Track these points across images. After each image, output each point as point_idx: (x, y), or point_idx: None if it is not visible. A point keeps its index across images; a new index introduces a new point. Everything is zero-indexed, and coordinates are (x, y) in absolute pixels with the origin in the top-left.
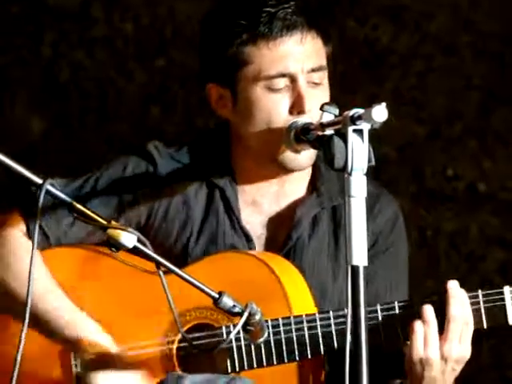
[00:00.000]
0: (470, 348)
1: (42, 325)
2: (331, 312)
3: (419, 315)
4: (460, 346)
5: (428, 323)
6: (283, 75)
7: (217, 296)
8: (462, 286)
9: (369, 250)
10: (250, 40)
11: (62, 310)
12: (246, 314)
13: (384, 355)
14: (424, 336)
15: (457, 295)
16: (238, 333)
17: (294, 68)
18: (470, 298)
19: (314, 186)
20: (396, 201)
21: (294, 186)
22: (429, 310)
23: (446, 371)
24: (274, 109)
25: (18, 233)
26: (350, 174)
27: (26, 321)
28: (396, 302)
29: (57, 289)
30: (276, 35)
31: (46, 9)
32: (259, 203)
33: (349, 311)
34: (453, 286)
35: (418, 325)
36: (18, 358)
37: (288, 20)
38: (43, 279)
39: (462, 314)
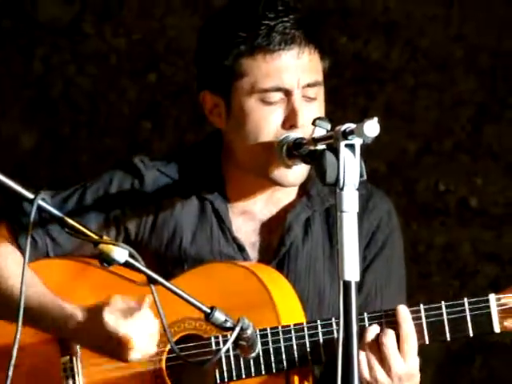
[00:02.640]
0: (418, 362)
1: (29, 318)
2: (319, 322)
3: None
4: (406, 362)
5: (369, 347)
6: (278, 89)
7: (208, 311)
8: (453, 300)
9: (364, 249)
10: (248, 52)
11: (44, 301)
12: (237, 329)
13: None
14: (367, 360)
15: (406, 315)
16: (226, 349)
17: (289, 82)
18: (456, 306)
19: (304, 189)
20: (389, 198)
21: (285, 191)
22: (370, 333)
23: None
24: (266, 121)
25: (8, 245)
26: (341, 189)
27: (20, 323)
28: (366, 314)
29: (36, 283)
30: (274, 48)
31: (38, 24)
32: (250, 211)
33: (341, 326)
34: (402, 309)
35: (360, 354)
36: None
37: (287, 34)
38: (29, 280)
39: (411, 332)
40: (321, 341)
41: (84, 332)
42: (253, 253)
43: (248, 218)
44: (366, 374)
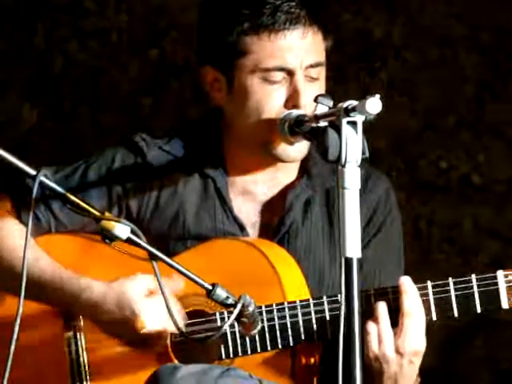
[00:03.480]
0: (425, 340)
1: (32, 294)
2: (325, 297)
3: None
4: (414, 339)
5: (381, 320)
6: (282, 69)
7: (210, 288)
8: (454, 277)
9: (364, 229)
10: (252, 30)
11: (54, 275)
12: (239, 306)
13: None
14: (378, 334)
15: (408, 290)
16: (231, 325)
17: (293, 63)
18: (463, 282)
19: (305, 169)
20: (387, 178)
21: (286, 172)
22: (381, 307)
23: (404, 365)
24: (268, 100)
25: (10, 219)
26: (343, 166)
27: (22, 296)
28: (372, 290)
29: (44, 256)
30: (279, 27)
31: (40, 0)
32: (251, 191)
33: (342, 303)
34: (404, 281)
35: (371, 325)
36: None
37: (292, 13)
38: (33, 253)
39: (414, 307)
40: (327, 317)
41: (97, 305)
42: (253, 232)
43: (249, 198)
44: (375, 348)
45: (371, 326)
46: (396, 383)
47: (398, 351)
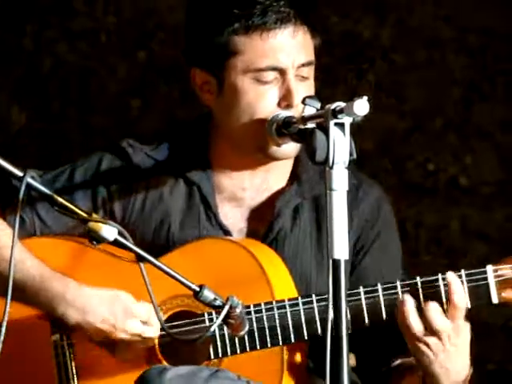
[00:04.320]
0: (464, 324)
1: (17, 295)
2: (314, 296)
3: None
4: (452, 321)
5: (413, 315)
6: (273, 69)
7: (198, 289)
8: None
9: (356, 241)
10: (243, 30)
11: (42, 276)
12: (226, 308)
13: (385, 333)
14: (413, 330)
15: (458, 285)
16: (220, 326)
17: (284, 62)
18: None
19: (295, 175)
20: (379, 185)
21: (276, 177)
22: (410, 302)
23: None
24: (261, 100)
25: None
26: (331, 168)
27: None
28: (379, 285)
29: (30, 257)
30: (270, 27)
31: (28, 1)
32: (239, 197)
33: (330, 306)
34: (453, 277)
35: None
36: (3, 330)
37: (281, 13)
38: (18, 253)
39: (463, 303)
40: (316, 316)
41: (84, 306)
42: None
43: (236, 204)
44: (413, 345)
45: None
46: (447, 372)
47: (436, 334)
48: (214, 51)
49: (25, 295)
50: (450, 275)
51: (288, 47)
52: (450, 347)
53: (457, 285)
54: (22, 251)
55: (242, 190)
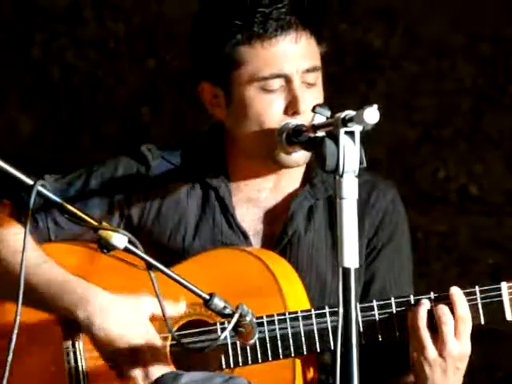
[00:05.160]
0: (469, 344)
1: (36, 298)
2: (327, 308)
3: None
4: (466, 343)
5: (423, 326)
6: (278, 76)
7: (207, 297)
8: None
9: (369, 242)
10: (245, 40)
11: (57, 279)
12: (236, 316)
13: (383, 349)
14: (419, 339)
15: (462, 297)
16: (232, 335)
17: (288, 69)
18: (468, 294)
19: (308, 177)
20: (393, 186)
21: (289, 180)
22: (424, 311)
23: (448, 370)
24: (268, 109)
25: (9, 221)
26: (341, 176)
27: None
28: (393, 298)
29: (49, 260)
30: (271, 35)
31: (37, 9)
32: (255, 198)
33: (340, 314)
34: (456, 290)
35: (415, 330)
36: (14, 338)
37: (282, 20)
38: (33, 253)
39: (467, 314)
40: (329, 328)
41: (102, 312)
42: (256, 241)
43: (252, 205)
44: (417, 354)
45: (416, 331)
46: None
47: (441, 355)
48: (220, 64)
49: (42, 299)
50: (453, 288)
51: (291, 54)
52: (451, 369)
53: (459, 296)
54: (40, 255)
55: (258, 192)
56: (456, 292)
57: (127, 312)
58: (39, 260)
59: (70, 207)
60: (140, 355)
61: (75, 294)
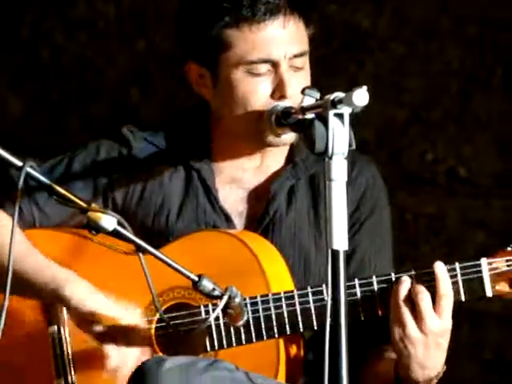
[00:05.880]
0: (450, 319)
1: (22, 286)
2: (309, 289)
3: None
4: (448, 319)
5: (403, 303)
6: (266, 61)
7: (196, 279)
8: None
9: (350, 217)
10: (233, 23)
11: (45, 268)
12: (225, 298)
13: (365, 322)
14: (399, 317)
15: (444, 273)
16: (216, 317)
17: (276, 54)
18: (449, 271)
19: (290, 157)
20: (372, 163)
21: (274, 160)
22: (403, 290)
23: (430, 346)
24: (254, 93)
25: None
26: (330, 158)
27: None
28: (374, 277)
29: (36, 251)
30: (259, 19)
31: None
32: (238, 179)
33: (329, 295)
34: (439, 265)
35: (396, 307)
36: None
37: (271, 3)
38: (21, 244)
39: (450, 290)
40: (312, 308)
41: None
42: (239, 222)
43: (236, 186)
44: (398, 331)
45: (397, 308)
46: (423, 366)
47: (422, 331)
48: (207, 45)
49: (28, 286)
50: (437, 264)
51: (279, 39)
52: (433, 344)
53: (442, 272)
54: (27, 245)
55: (242, 172)
56: (439, 267)
57: (110, 297)
58: (27, 252)
59: (59, 189)
60: (125, 339)
61: (61, 280)
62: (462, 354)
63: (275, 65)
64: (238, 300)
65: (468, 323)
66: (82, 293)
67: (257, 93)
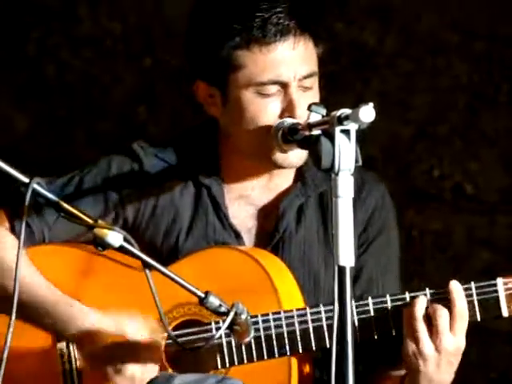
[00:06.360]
0: (464, 340)
1: (25, 315)
2: (322, 306)
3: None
4: (456, 337)
5: (419, 319)
6: (275, 82)
7: (203, 295)
8: (447, 285)
9: (359, 237)
10: (244, 44)
11: (47, 299)
12: (231, 314)
13: (376, 342)
14: (414, 333)
15: (461, 293)
16: (227, 334)
17: (286, 75)
18: (464, 290)
19: (299, 174)
20: (381, 182)
21: (282, 178)
22: (421, 305)
23: (442, 364)
24: (264, 113)
25: (2, 229)
26: (336, 175)
27: (13, 315)
28: (388, 296)
29: (41, 278)
30: (269, 40)
31: (32, 6)
32: (247, 196)
33: (335, 312)
34: (456, 285)
35: (411, 324)
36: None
37: (281, 25)
38: (26, 269)
39: (466, 310)
40: (324, 326)
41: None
42: (248, 238)
43: (245, 202)
44: (411, 347)
45: (413, 324)
46: (431, 383)
47: (437, 349)
48: (217, 65)
49: (31, 317)
50: (452, 283)
51: (289, 60)
52: (444, 363)
53: (458, 291)
54: (29, 268)
55: (250, 189)
56: (455, 287)
57: (121, 313)
58: (27, 274)
59: (65, 205)
60: (134, 356)
61: (64, 315)
62: (470, 372)
63: (284, 85)
64: (244, 316)
65: (477, 342)
66: (88, 331)
67: (266, 113)
